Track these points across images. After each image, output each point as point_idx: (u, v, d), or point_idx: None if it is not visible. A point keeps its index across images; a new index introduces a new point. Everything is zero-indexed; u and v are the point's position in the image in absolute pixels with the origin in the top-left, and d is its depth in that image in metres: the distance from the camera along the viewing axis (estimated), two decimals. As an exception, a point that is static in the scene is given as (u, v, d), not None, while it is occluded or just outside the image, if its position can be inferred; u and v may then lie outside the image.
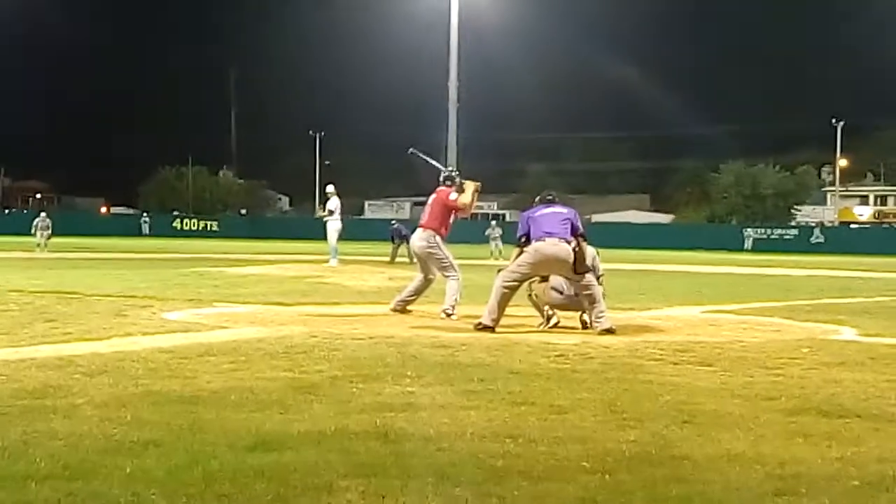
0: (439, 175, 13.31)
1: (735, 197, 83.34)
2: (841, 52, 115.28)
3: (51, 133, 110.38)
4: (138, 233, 67.76)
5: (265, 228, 72.49)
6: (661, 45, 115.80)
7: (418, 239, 12.96)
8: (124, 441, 5.32)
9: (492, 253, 34.76)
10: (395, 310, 12.72)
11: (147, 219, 73.87)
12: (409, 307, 12.81)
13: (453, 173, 13.25)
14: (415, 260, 14.04)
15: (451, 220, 12.96)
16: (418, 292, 12.91)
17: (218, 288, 17.14)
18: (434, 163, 14.04)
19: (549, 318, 11.50)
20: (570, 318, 11.91)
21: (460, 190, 12.91)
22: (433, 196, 13.11)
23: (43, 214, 38.30)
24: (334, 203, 26.84)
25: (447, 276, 12.70)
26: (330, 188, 27.41)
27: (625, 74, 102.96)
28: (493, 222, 42.13)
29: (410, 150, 14.66)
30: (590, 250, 11.57)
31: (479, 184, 13.09)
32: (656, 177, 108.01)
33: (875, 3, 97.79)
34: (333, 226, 26.60)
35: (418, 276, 13.01)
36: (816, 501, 4.52)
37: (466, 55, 54.06)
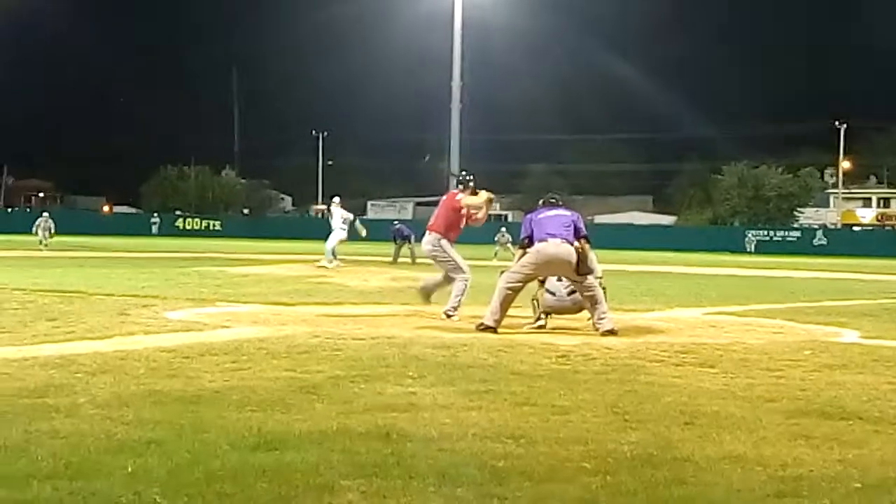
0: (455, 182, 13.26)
1: (738, 199, 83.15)
2: (845, 53, 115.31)
3: (53, 132, 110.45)
4: (148, 232, 67.86)
5: (267, 228, 72.35)
6: (663, 46, 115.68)
7: (425, 242, 12.94)
8: (126, 440, 5.33)
9: (496, 254, 34.81)
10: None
11: (157, 219, 74.07)
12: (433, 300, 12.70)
13: (467, 178, 13.20)
14: (417, 260, 14.02)
15: (461, 225, 12.87)
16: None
17: (220, 287, 17.15)
18: None
19: (537, 319, 11.50)
20: (570, 319, 11.91)
21: (473, 195, 12.83)
22: (443, 198, 13.09)
23: (46, 215, 38.27)
24: (346, 214, 27.54)
25: (455, 278, 12.62)
26: (336, 200, 27.83)
27: (628, 75, 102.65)
28: (503, 229, 42.10)
29: (460, 174, 14.46)
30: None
31: (492, 195, 12.98)
32: (659, 178, 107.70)
33: (879, 4, 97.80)
34: (338, 235, 26.92)
35: (439, 276, 12.94)
36: (818, 504, 4.53)
37: (469, 56, 54.09)
